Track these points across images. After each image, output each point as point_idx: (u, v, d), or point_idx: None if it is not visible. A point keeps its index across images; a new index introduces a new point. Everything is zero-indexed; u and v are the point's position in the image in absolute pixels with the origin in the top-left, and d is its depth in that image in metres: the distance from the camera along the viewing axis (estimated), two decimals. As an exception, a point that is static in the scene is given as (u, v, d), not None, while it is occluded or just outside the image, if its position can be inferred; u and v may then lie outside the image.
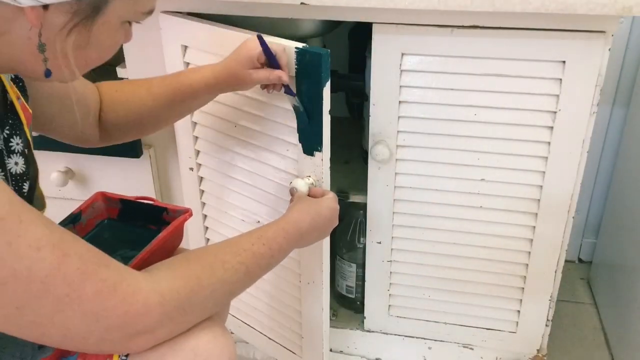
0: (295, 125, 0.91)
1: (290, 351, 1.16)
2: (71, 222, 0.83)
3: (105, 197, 0.87)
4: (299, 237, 0.84)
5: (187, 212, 0.83)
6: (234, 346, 0.72)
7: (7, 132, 0.69)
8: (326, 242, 0.99)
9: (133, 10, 0.63)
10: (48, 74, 0.62)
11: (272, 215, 1.03)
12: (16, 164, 0.70)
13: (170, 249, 0.83)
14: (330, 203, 0.90)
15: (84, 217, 0.85)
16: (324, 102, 0.87)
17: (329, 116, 0.89)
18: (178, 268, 0.68)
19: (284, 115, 0.93)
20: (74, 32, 0.59)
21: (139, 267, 0.69)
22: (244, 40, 0.86)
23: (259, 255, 0.76)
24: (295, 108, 0.89)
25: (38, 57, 0.60)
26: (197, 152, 1.11)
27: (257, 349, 1.28)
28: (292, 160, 0.96)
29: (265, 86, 0.90)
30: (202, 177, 1.14)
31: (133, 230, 0.86)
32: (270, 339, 1.19)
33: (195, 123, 1.08)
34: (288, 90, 0.87)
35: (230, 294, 0.74)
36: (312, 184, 0.94)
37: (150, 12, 0.66)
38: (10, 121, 0.70)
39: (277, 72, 0.84)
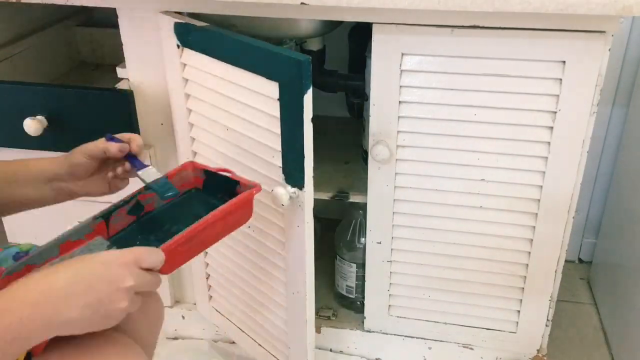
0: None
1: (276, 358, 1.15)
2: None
3: (194, 167, 0.89)
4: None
5: (255, 187, 0.82)
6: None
7: None
8: (310, 253, 0.95)
9: None
10: None
11: (257, 219, 1.03)
12: None
13: (236, 224, 0.83)
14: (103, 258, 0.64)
15: (172, 181, 0.84)
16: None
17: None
18: None
19: (268, 122, 0.92)
20: None
21: (189, 240, 0.70)
22: None
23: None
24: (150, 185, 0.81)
25: None
26: (194, 154, 1.11)
27: (242, 350, 1.27)
28: (276, 167, 0.94)
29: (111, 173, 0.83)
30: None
31: (212, 201, 0.84)
32: (259, 344, 1.18)
33: (192, 125, 1.08)
34: (136, 164, 0.82)
35: None
36: (294, 192, 0.92)
37: None
38: None
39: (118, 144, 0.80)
